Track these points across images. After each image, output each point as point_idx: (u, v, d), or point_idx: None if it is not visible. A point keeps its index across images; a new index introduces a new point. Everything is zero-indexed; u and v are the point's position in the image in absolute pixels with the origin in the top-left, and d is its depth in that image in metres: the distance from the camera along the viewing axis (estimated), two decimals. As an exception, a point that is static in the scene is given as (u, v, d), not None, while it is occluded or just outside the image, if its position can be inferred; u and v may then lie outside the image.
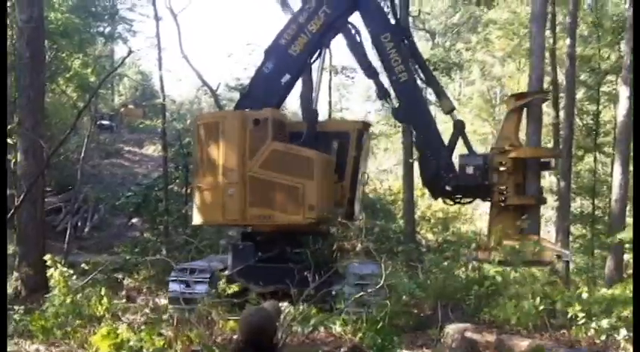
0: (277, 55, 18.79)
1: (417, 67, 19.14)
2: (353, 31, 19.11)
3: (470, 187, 18.12)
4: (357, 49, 19.12)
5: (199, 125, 18.30)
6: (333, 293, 14.36)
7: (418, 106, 18.92)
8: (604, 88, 38.04)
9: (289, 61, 18.79)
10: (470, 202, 19.89)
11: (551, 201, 38.76)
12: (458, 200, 19.33)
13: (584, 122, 38.37)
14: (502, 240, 16.51)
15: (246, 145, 17.52)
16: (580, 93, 37.76)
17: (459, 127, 18.89)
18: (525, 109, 18.31)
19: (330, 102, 43.12)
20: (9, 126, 23.99)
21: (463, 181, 17.96)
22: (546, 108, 41.06)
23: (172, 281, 16.64)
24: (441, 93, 19.75)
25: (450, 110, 19.26)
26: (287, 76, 18.84)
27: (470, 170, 17.85)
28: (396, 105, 19.08)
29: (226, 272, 16.62)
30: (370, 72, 19.05)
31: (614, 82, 36.85)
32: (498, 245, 16.44)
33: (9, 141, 24.56)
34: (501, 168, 17.64)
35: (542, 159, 18.38)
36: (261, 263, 17.20)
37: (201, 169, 18.05)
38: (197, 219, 18.34)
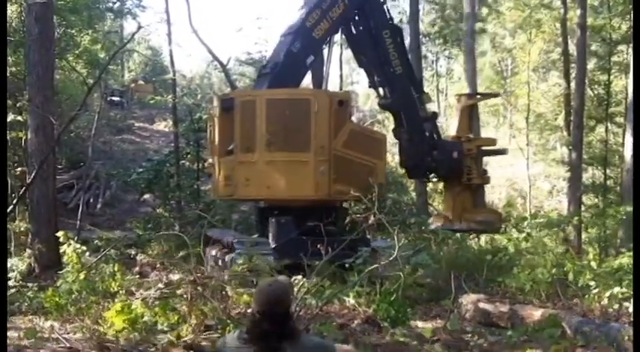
0: (304, 37, 19.39)
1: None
2: (358, 22, 20.66)
3: (453, 169, 21.24)
4: (359, 38, 20.78)
5: (270, 100, 18.24)
6: (347, 265, 14.34)
7: (410, 97, 20.90)
8: (615, 58, 37.87)
9: (313, 43, 19.66)
10: (437, 181, 24.18)
11: (563, 171, 38.75)
12: (430, 180, 24.03)
13: (596, 92, 38.21)
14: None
15: (332, 124, 18.05)
16: (591, 64, 37.61)
17: (434, 118, 22.26)
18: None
19: (341, 76, 43.10)
20: (20, 103, 24.08)
21: (450, 164, 21.10)
22: (558, 79, 41.08)
23: (238, 254, 16.91)
24: (419, 87, 21.91)
25: (427, 101, 22.21)
26: (311, 58, 19.76)
27: (455, 155, 21.13)
28: (386, 95, 21.00)
29: (272, 246, 17.42)
30: (367, 62, 20.80)
31: (625, 51, 36.67)
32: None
33: (19, 118, 24.64)
34: (468, 154, 21.35)
35: (490, 147, 23.01)
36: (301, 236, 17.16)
37: (274, 144, 18.07)
38: (268, 192, 18.32)
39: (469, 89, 24.30)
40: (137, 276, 15.78)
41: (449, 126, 23.66)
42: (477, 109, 23.24)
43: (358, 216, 14.37)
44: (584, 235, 29.91)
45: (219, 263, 17.89)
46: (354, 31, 20.65)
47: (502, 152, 24.67)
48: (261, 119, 18.03)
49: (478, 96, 23.97)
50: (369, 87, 22.06)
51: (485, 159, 41.32)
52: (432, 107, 24.53)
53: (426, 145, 20.95)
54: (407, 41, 30.98)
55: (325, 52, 20.87)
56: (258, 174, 18.08)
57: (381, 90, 21.00)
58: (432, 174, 22.23)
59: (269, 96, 18.45)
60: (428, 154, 20.93)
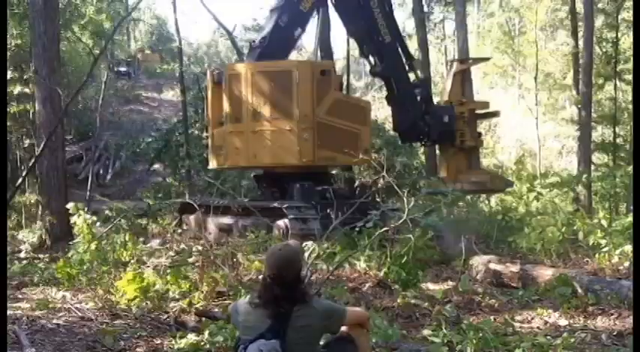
0: (290, 10, 20.05)
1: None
2: None
3: (444, 133, 21.72)
4: (347, 8, 21.07)
5: (256, 73, 19.18)
6: (357, 229, 14.44)
7: (399, 64, 21.55)
8: (623, 15, 37.59)
9: (301, 16, 20.30)
10: (431, 145, 24.65)
11: (572, 131, 38.60)
12: (424, 144, 24.50)
13: (604, 50, 37.97)
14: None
15: (315, 93, 18.85)
16: (599, 21, 37.33)
17: (426, 83, 23.31)
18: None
19: (348, 40, 42.95)
20: (26, 75, 24.07)
21: (441, 128, 21.58)
22: (566, 37, 40.84)
23: (291, 219, 17.64)
24: (409, 55, 22.39)
25: (418, 68, 23.33)
26: (298, 30, 20.51)
27: (446, 119, 21.64)
28: (376, 63, 21.44)
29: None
30: (356, 31, 21.48)
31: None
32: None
33: (26, 90, 24.63)
34: (460, 117, 21.82)
35: (483, 111, 23.40)
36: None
37: (261, 114, 19.04)
38: (256, 160, 19.42)
39: (460, 54, 24.63)
40: (148, 246, 15.83)
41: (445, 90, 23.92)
42: (470, 73, 23.44)
43: (367, 180, 14.41)
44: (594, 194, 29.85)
45: (234, 230, 18.44)
46: (342, 1, 21.04)
47: (495, 114, 25.16)
48: (247, 91, 19.12)
49: (470, 61, 24.09)
50: (360, 56, 23.11)
51: (495, 120, 41.57)
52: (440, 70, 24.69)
53: (417, 110, 21.64)
54: (409, 4, 30.99)
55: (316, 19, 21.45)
56: (246, 143, 19.21)
57: (371, 58, 21.52)
58: (425, 138, 22.79)
59: (254, 69, 19.41)
60: (420, 119, 21.63)
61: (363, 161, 19.93)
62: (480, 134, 23.46)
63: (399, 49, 21.68)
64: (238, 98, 19.31)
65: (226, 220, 18.83)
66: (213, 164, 20.87)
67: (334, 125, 19.03)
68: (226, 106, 19.60)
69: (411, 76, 22.24)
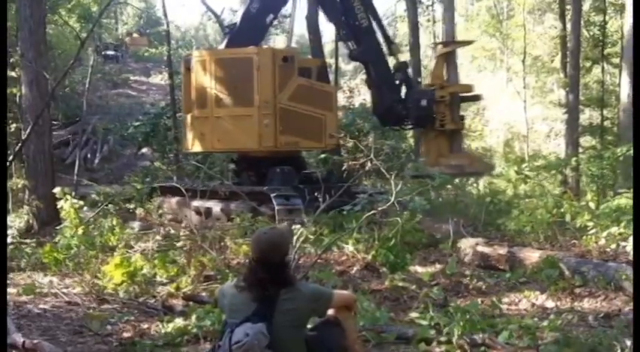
0: None
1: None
2: None
3: (422, 116, 21.73)
4: None
5: (217, 60, 19.49)
6: (344, 212, 14.49)
7: (376, 48, 21.77)
8: (610, -2, 37.63)
9: (273, 2, 20.66)
10: (412, 129, 25.20)
11: (560, 114, 38.65)
12: (403, 127, 24.45)
13: (592, 33, 37.98)
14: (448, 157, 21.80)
15: (277, 80, 18.91)
16: (586, 4, 37.34)
17: (405, 67, 22.75)
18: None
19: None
20: (12, 59, 23.93)
21: (418, 112, 21.59)
22: (553, 20, 40.84)
23: (275, 196, 17.60)
24: (389, 39, 22.86)
25: (397, 52, 22.91)
26: (270, 16, 20.80)
27: (424, 102, 21.59)
28: (352, 47, 21.63)
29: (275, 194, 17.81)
30: (335, 16, 21.51)
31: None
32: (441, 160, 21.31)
33: (13, 74, 24.50)
34: (441, 100, 21.63)
35: (467, 94, 23.17)
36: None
37: (223, 100, 19.27)
38: (219, 145, 19.76)
39: (446, 37, 24.41)
40: (136, 230, 15.81)
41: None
42: (455, 57, 23.31)
43: (354, 164, 14.41)
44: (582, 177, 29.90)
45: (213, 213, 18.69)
46: None
47: (477, 98, 25.32)
48: (210, 77, 19.40)
49: (453, 44, 23.72)
50: (338, 40, 23.50)
51: (483, 103, 41.59)
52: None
53: (394, 94, 21.85)
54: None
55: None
56: (210, 128, 19.54)
57: (349, 43, 21.65)
58: (404, 122, 23.00)
59: (216, 56, 20.00)
60: (397, 102, 21.77)
61: (329, 145, 20.63)
62: (462, 117, 23.34)
63: (378, 34, 21.86)
64: (203, 84, 19.61)
65: (206, 204, 18.85)
66: (185, 148, 21.68)
67: (297, 111, 19.16)
68: (193, 92, 19.96)
69: (393, 61, 22.41)
